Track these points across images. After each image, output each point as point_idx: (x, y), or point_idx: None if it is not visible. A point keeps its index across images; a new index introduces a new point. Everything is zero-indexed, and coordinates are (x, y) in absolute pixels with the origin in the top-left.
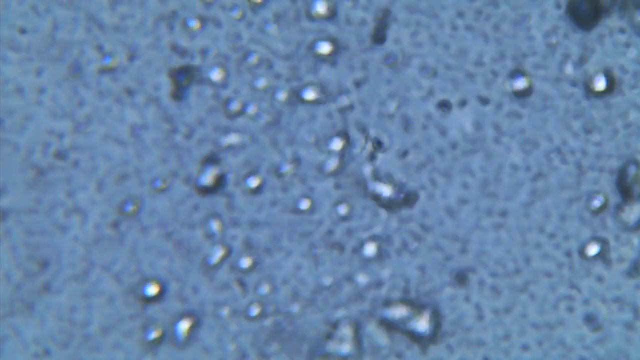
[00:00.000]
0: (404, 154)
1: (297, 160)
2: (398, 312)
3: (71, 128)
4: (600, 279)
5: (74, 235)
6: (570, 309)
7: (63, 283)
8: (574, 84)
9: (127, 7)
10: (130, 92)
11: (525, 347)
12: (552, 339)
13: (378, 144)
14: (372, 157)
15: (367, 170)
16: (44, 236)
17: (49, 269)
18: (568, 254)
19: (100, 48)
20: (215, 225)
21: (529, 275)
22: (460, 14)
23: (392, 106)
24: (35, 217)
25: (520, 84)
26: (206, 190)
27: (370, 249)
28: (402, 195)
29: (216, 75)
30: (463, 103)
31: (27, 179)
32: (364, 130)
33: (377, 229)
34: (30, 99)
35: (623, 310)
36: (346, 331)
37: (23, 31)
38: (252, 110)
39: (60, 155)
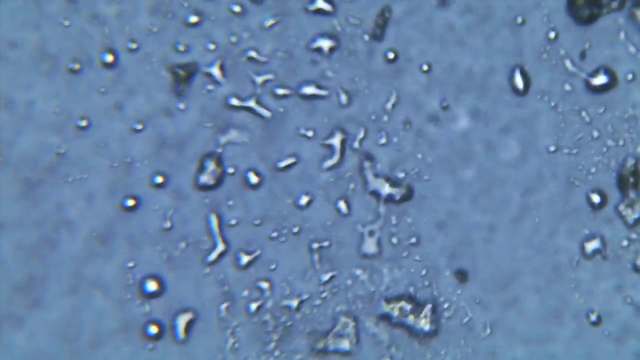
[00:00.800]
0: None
1: (296, 156)
2: (397, 307)
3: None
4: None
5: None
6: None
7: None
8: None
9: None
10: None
11: None
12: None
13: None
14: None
15: (366, 165)
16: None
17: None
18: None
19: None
20: (214, 221)
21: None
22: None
23: (389, 104)
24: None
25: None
26: (206, 187)
27: (369, 245)
28: (401, 193)
29: (216, 70)
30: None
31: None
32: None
33: (377, 225)
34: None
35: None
36: (346, 326)
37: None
38: (251, 105)
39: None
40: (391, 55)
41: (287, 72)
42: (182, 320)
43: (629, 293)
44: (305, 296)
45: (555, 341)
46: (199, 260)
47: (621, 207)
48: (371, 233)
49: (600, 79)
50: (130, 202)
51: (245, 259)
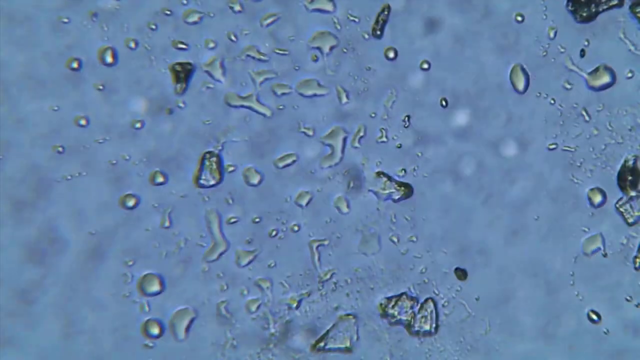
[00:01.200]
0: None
1: (296, 154)
2: (397, 305)
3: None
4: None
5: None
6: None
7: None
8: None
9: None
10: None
11: None
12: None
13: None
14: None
15: (366, 163)
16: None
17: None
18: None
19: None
20: (214, 219)
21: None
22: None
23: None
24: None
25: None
26: (205, 185)
27: (369, 242)
28: (400, 190)
29: (216, 69)
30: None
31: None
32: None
33: (376, 223)
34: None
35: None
36: (345, 324)
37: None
38: (251, 104)
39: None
40: (391, 54)
41: (287, 70)
42: (182, 319)
43: (628, 291)
44: (304, 294)
45: (555, 339)
46: (199, 258)
47: (620, 205)
48: (370, 231)
49: (599, 77)
50: (130, 200)
51: (244, 256)
